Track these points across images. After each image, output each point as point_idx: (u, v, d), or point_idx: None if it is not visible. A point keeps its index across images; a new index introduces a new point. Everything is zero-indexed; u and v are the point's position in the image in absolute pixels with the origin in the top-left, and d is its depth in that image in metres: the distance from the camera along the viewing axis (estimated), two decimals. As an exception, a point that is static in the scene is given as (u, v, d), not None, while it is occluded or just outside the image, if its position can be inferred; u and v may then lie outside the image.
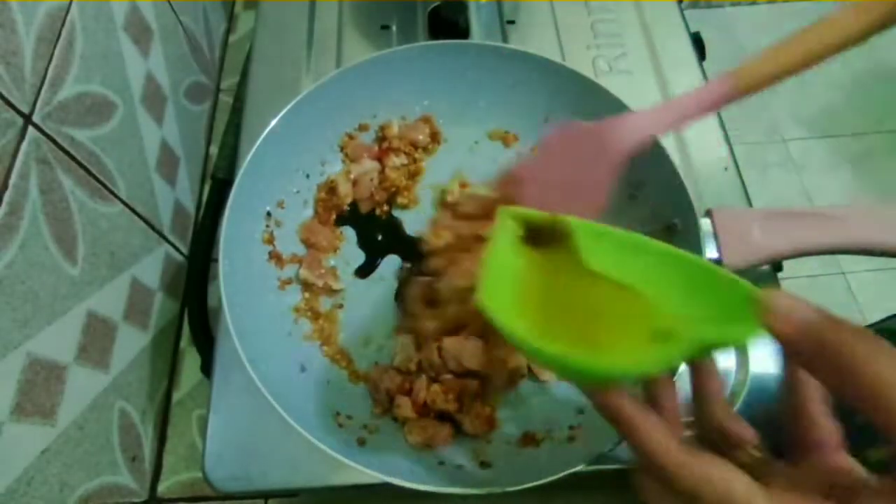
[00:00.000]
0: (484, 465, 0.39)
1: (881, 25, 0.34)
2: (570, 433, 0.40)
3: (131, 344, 0.47)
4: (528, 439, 0.41)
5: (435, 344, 0.43)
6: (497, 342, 0.44)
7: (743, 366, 0.46)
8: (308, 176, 0.50)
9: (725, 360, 0.46)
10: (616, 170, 0.38)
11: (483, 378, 0.43)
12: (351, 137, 0.52)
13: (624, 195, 0.49)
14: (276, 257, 0.47)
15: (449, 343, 0.43)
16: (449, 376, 0.43)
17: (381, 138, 0.53)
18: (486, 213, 0.43)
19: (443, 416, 0.42)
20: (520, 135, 0.53)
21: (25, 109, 0.35)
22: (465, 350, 0.42)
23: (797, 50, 0.36)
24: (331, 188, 0.50)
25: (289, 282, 0.47)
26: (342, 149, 0.52)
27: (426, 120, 0.53)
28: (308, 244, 0.48)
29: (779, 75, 0.37)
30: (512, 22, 0.64)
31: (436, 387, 0.42)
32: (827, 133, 1.50)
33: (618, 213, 0.49)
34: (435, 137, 0.53)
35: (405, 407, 0.41)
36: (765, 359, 0.46)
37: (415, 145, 0.52)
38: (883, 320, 0.54)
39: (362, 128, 0.53)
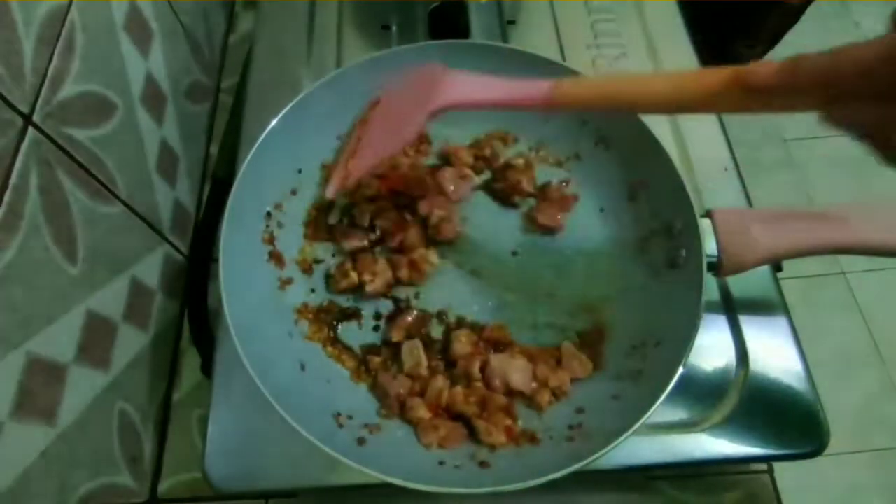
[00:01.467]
0: (484, 465, 0.39)
1: (696, 106, 0.32)
2: (570, 433, 0.40)
3: (131, 344, 0.47)
4: (528, 438, 0.41)
5: (478, 360, 0.43)
6: (543, 359, 0.44)
7: (743, 364, 0.46)
8: (308, 176, 0.50)
9: (725, 359, 0.46)
10: (427, 114, 0.40)
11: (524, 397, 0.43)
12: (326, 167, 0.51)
13: (624, 195, 0.49)
14: (276, 257, 0.46)
15: (496, 361, 0.42)
16: (479, 384, 0.43)
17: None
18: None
19: (456, 417, 0.42)
20: (520, 135, 0.53)
21: (25, 109, 0.35)
22: (513, 369, 0.42)
23: (617, 90, 0.35)
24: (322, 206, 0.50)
25: (289, 282, 0.47)
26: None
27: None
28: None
29: (592, 104, 0.37)
30: (512, 22, 0.64)
31: (458, 389, 0.42)
32: (827, 133, 1.49)
33: (618, 212, 0.49)
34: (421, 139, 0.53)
35: (419, 408, 0.41)
36: (764, 358, 0.46)
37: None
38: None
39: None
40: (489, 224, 0.51)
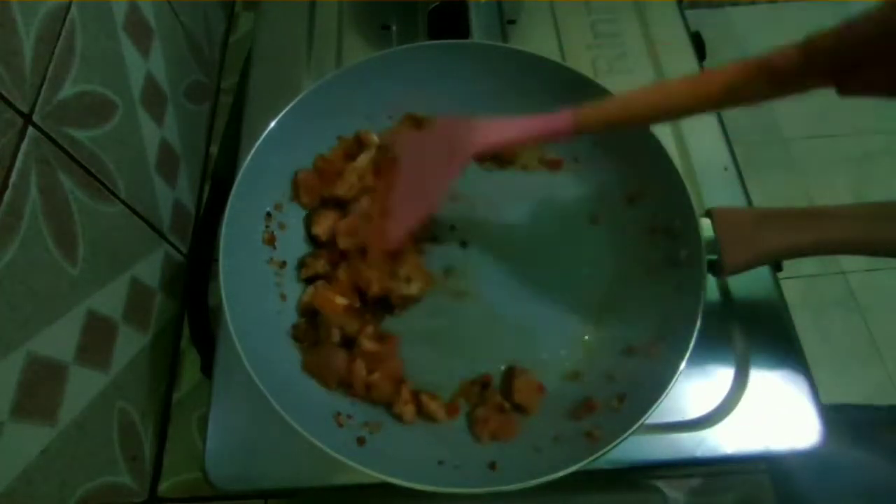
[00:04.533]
0: (483, 464, 0.39)
1: (720, 101, 0.34)
2: (570, 433, 0.40)
3: (131, 344, 0.47)
4: (522, 410, 0.41)
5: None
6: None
7: (743, 364, 0.46)
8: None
9: (725, 359, 0.46)
10: (458, 171, 0.40)
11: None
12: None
13: (624, 196, 0.49)
14: (276, 257, 0.46)
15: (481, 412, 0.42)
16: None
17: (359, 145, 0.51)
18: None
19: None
20: (520, 135, 0.53)
21: (25, 109, 0.35)
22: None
23: (639, 103, 0.36)
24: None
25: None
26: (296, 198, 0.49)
27: (411, 118, 0.52)
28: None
29: (617, 122, 0.37)
30: (512, 22, 0.64)
31: (425, 396, 0.42)
32: (827, 133, 1.49)
33: (618, 213, 0.49)
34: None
35: (409, 410, 0.42)
36: (765, 358, 0.46)
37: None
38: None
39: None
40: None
